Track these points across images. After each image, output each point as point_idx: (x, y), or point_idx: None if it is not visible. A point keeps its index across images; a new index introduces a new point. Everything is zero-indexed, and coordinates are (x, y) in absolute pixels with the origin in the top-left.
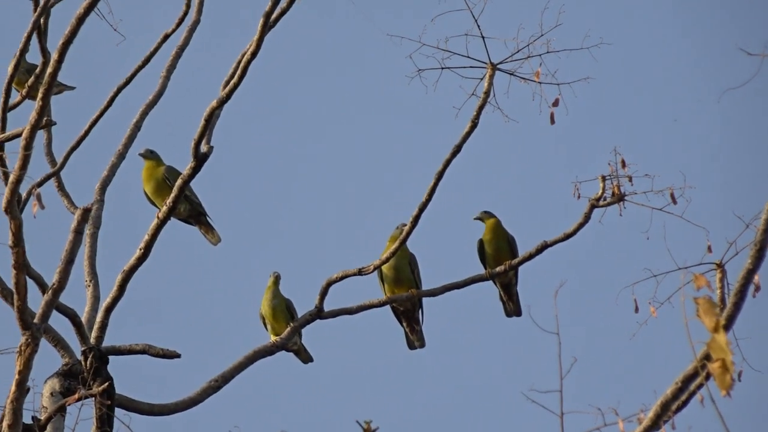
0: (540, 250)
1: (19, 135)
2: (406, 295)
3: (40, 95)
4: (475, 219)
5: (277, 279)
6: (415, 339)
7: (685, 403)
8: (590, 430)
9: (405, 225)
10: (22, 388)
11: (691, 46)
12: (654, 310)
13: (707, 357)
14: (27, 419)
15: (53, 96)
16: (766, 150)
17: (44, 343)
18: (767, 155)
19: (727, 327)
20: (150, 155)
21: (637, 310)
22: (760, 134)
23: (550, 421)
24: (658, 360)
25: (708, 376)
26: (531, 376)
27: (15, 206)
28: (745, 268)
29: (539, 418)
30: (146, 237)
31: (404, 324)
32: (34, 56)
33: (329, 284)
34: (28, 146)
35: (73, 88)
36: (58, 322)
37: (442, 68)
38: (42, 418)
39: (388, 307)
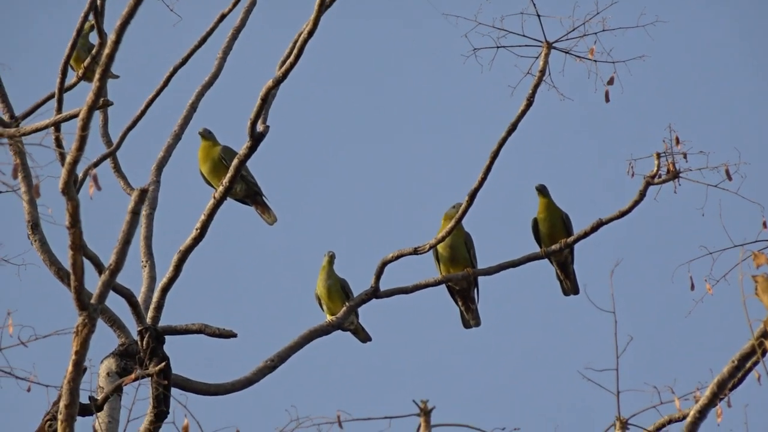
0: (595, 227)
1: (75, 116)
2: (461, 273)
3: (97, 76)
4: (536, 188)
5: (331, 259)
6: (471, 318)
7: (740, 381)
8: (646, 409)
9: (460, 204)
10: (78, 369)
11: (746, 21)
12: (710, 288)
13: (764, 335)
14: (84, 399)
15: (110, 79)
16: None
17: (101, 324)
18: None
19: None
20: (207, 135)
21: (693, 287)
22: None
23: (606, 400)
24: (715, 338)
25: (765, 354)
26: (587, 354)
27: (72, 187)
28: None
29: (595, 397)
30: (202, 217)
31: (459, 303)
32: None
33: (384, 264)
34: (85, 127)
35: (117, 77)
36: (114, 302)
37: (498, 47)
38: (99, 397)
39: (443, 286)
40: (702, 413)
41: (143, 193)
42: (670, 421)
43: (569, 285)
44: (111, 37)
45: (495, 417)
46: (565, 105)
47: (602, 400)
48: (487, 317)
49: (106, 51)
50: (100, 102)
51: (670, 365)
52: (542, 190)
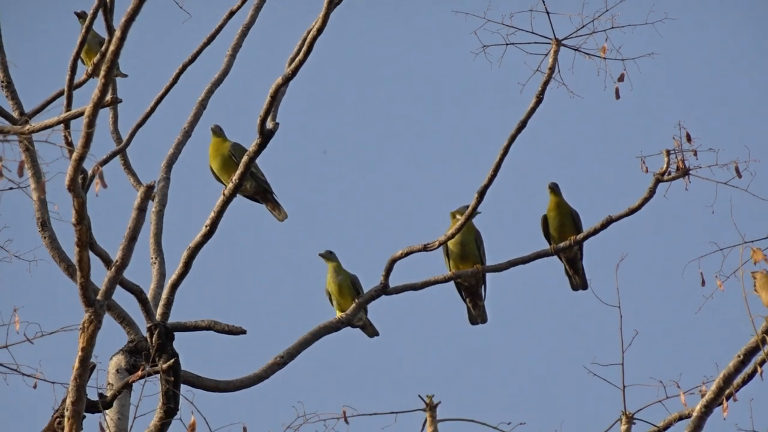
0: (605, 224)
1: (83, 113)
2: (471, 270)
3: (102, 73)
4: (549, 186)
5: (327, 257)
6: (478, 314)
7: (750, 377)
8: (652, 403)
9: (467, 206)
10: (85, 365)
11: (754, 19)
12: (721, 284)
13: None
14: (93, 396)
15: (117, 77)
16: None
17: (111, 321)
18: None
19: None
20: (218, 131)
21: (703, 283)
22: None
23: (612, 394)
24: (723, 334)
25: None
26: (593, 349)
27: (78, 184)
28: None
29: (602, 391)
30: (212, 214)
31: (467, 300)
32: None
33: (394, 260)
34: (90, 124)
35: (125, 75)
36: (124, 299)
37: (507, 44)
38: (107, 394)
39: (451, 283)
40: (708, 408)
41: (149, 189)
42: (680, 418)
43: (578, 280)
44: (116, 34)
45: (501, 412)
46: (575, 102)
47: (608, 394)
48: (494, 314)
49: (111, 48)
50: (107, 99)
51: (676, 360)
52: (554, 189)
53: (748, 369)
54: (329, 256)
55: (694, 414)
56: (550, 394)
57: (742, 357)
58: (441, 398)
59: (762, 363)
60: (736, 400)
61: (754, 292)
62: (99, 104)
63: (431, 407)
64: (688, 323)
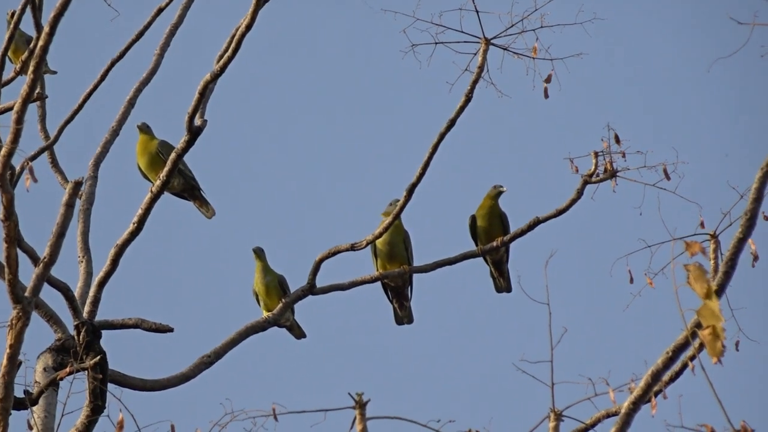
0: (532, 226)
1: (11, 109)
2: (398, 271)
3: (31, 69)
4: (500, 191)
5: (257, 254)
6: (404, 315)
7: (678, 374)
8: (581, 400)
9: (398, 200)
10: (13, 362)
11: (682, 17)
12: (650, 281)
13: (698, 325)
14: (19, 394)
15: (46, 74)
16: (758, 119)
17: (38, 320)
18: (759, 124)
19: (718, 296)
20: (145, 129)
21: (632, 280)
22: (751, 103)
23: (541, 391)
24: (651, 331)
25: (700, 346)
26: (522, 348)
27: (6, 180)
28: (736, 236)
29: (530, 388)
30: (139, 211)
31: (394, 300)
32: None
33: (321, 260)
34: (19, 120)
35: (54, 72)
36: (51, 297)
37: (436, 43)
38: (34, 392)
39: (378, 283)
40: (636, 405)
41: (77, 185)
42: (607, 415)
43: (503, 283)
44: (45, 29)
45: (430, 410)
46: (505, 102)
47: (537, 392)
48: (420, 314)
49: (40, 43)
50: (35, 95)
51: (605, 358)
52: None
53: (676, 366)
54: (261, 253)
55: (622, 411)
56: (479, 392)
57: (670, 354)
58: (370, 396)
59: (692, 358)
60: (666, 398)
61: (687, 284)
62: (28, 99)
63: (361, 405)
64: (618, 321)
